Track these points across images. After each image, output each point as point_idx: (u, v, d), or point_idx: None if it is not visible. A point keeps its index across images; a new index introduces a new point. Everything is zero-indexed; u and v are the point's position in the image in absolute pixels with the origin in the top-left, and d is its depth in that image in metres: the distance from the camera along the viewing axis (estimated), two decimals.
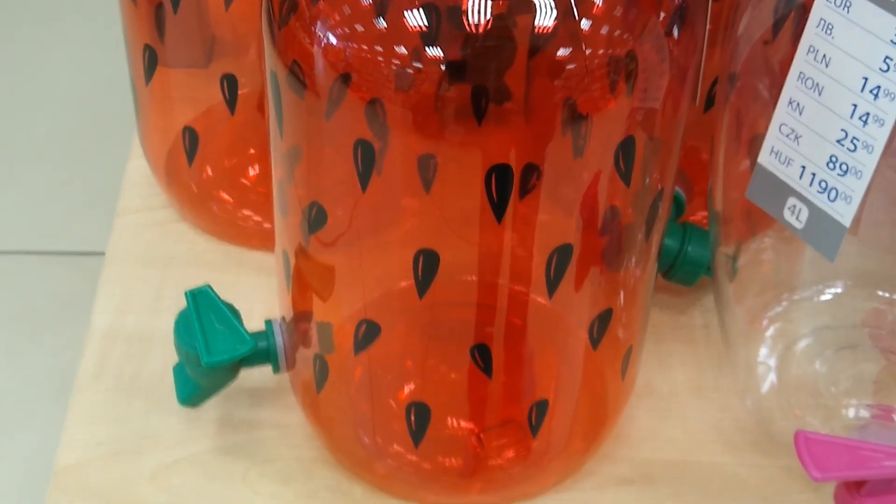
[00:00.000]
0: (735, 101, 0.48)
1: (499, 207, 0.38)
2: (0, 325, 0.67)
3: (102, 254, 0.54)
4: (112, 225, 0.55)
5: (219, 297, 0.45)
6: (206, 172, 0.55)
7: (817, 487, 0.46)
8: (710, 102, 0.51)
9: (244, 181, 0.56)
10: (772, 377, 0.49)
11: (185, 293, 0.45)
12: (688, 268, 0.51)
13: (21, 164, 0.76)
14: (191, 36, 0.52)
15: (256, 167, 0.56)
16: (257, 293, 0.51)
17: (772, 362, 0.49)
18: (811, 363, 0.49)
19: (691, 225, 0.51)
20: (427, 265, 0.40)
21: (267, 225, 0.54)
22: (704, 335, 0.52)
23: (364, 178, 0.39)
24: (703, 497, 0.46)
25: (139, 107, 0.54)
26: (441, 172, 0.39)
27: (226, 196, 0.55)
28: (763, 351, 0.49)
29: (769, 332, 0.49)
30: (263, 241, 0.53)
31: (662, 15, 0.39)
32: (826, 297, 0.50)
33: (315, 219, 0.41)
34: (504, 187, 0.38)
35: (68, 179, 0.75)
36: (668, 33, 0.39)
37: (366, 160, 0.38)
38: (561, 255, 0.40)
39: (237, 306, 0.45)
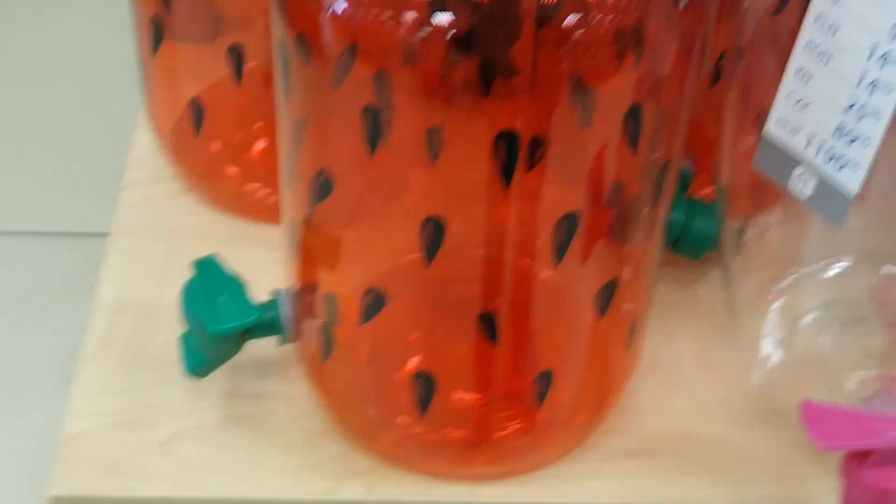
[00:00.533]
0: (742, 75, 0.48)
1: (505, 174, 0.38)
2: (4, 306, 0.67)
3: (106, 234, 0.54)
4: (117, 201, 0.55)
5: (225, 267, 0.45)
6: (212, 145, 0.55)
7: (823, 460, 0.46)
8: (716, 77, 0.51)
9: (251, 154, 0.56)
10: (778, 351, 0.49)
11: (192, 262, 0.45)
12: (694, 242, 0.51)
13: (24, 143, 0.76)
14: (197, 9, 0.52)
15: (263, 140, 0.56)
16: (264, 266, 0.51)
17: (778, 336, 0.49)
18: (818, 337, 0.49)
19: (698, 200, 0.51)
20: (434, 234, 0.40)
21: (274, 198, 0.54)
22: (711, 309, 0.52)
23: (371, 149, 0.39)
24: (708, 470, 0.46)
25: (145, 80, 0.54)
26: (448, 143, 0.39)
27: (232, 169, 0.55)
28: (769, 324, 0.49)
29: (776, 306, 0.49)
30: (270, 214, 0.53)
31: None
32: (833, 270, 0.50)
33: (321, 189, 0.41)
34: (511, 154, 0.38)
35: (72, 158, 0.75)
36: (676, 4, 0.39)
37: (372, 130, 0.38)
38: (567, 226, 0.40)
39: (244, 279, 0.45)
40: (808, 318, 0.49)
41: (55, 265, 0.69)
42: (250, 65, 0.52)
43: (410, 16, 0.37)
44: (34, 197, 0.73)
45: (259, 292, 0.45)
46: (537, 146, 0.38)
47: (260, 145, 0.56)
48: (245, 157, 0.55)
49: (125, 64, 0.57)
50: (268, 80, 0.53)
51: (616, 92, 0.39)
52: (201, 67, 0.53)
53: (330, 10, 0.38)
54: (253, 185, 0.55)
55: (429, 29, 0.37)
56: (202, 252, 0.48)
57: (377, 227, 0.43)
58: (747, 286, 0.49)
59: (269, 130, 0.55)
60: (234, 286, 0.45)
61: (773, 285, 0.50)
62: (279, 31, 0.40)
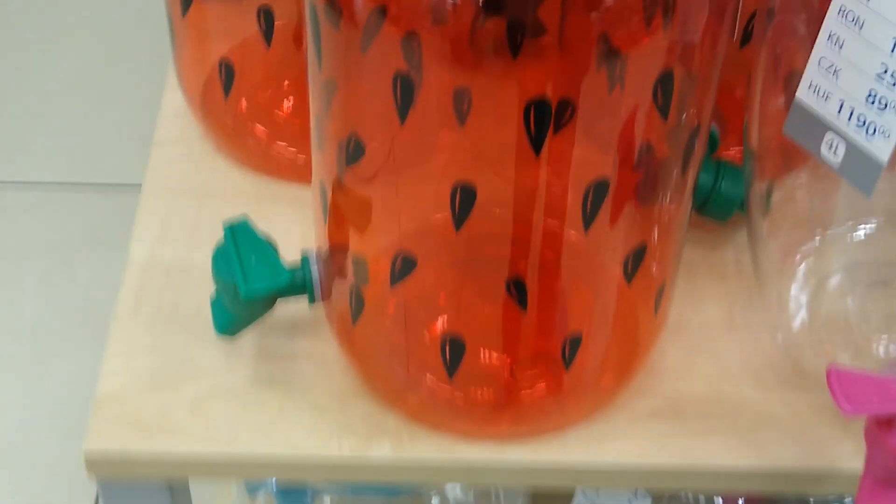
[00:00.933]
0: (772, 37, 0.48)
1: (536, 141, 0.38)
2: (34, 257, 0.68)
3: (133, 185, 0.54)
4: (145, 157, 0.56)
5: (256, 230, 0.46)
6: (241, 104, 0.55)
7: (847, 423, 0.46)
8: (746, 38, 0.51)
9: (279, 113, 0.56)
10: (803, 313, 0.49)
11: (224, 225, 0.46)
12: (721, 204, 0.51)
13: (54, 97, 0.77)
14: None
15: (291, 99, 0.56)
16: (292, 225, 0.51)
17: (804, 298, 0.49)
18: (843, 299, 0.49)
19: (725, 161, 0.51)
20: (464, 198, 0.40)
21: (301, 157, 0.54)
22: (736, 271, 0.52)
23: (402, 112, 0.39)
24: (732, 431, 0.47)
25: (175, 39, 0.54)
26: (477, 106, 0.39)
27: (261, 128, 0.55)
28: (795, 287, 0.49)
29: (801, 268, 0.49)
30: (298, 173, 0.54)
31: None
32: (859, 233, 0.50)
33: (352, 151, 0.41)
34: (542, 121, 0.38)
35: (101, 111, 0.76)
36: None
37: (404, 93, 0.39)
38: (597, 190, 0.40)
39: (272, 238, 0.46)
40: (834, 280, 0.50)
41: (85, 215, 0.70)
42: (279, 23, 0.52)
43: None
44: (66, 148, 0.73)
45: (287, 251, 0.46)
46: (565, 109, 0.38)
47: (288, 104, 0.56)
48: (273, 116, 0.56)
49: (160, 19, 0.56)
50: (297, 38, 0.53)
51: (646, 55, 0.39)
52: (230, 26, 0.54)
53: None
54: (281, 145, 0.55)
55: None
56: (231, 212, 0.48)
57: (407, 189, 0.43)
58: (774, 248, 0.50)
59: (297, 89, 0.55)
60: (265, 248, 0.45)
61: (800, 247, 0.50)
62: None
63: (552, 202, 0.41)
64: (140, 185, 0.54)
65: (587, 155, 0.40)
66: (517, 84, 0.39)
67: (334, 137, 0.42)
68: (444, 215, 0.41)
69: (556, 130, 0.38)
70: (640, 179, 0.41)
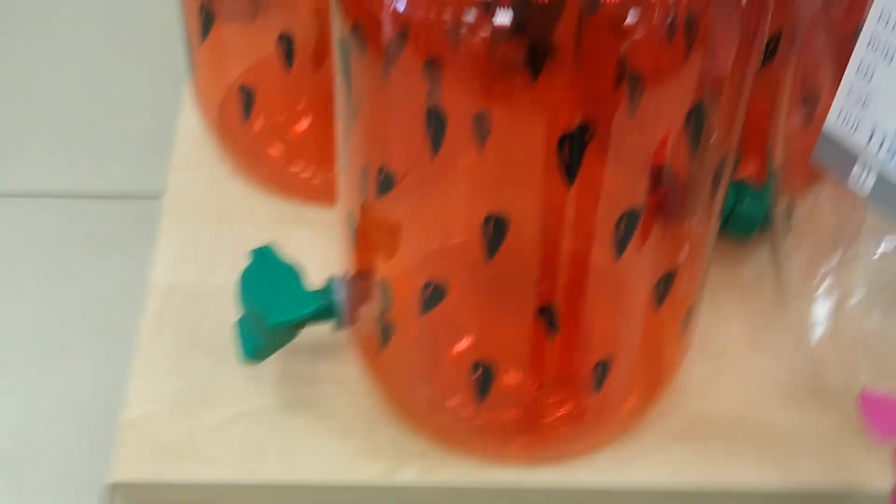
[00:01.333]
0: (798, 58, 0.48)
1: (570, 172, 0.38)
2: (39, 266, 0.68)
3: (141, 197, 0.54)
4: (148, 166, 0.56)
5: (281, 256, 0.46)
6: (257, 126, 0.55)
7: (873, 444, 0.46)
8: (766, 57, 0.51)
9: (296, 133, 0.56)
10: (826, 331, 0.49)
11: (250, 252, 0.46)
12: (743, 223, 0.51)
13: (58, 104, 0.77)
14: None
15: (309, 119, 0.56)
16: (312, 248, 0.51)
17: (826, 316, 0.49)
18: (866, 317, 0.49)
19: (745, 182, 0.51)
20: (496, 229, 0.40)
21: (318, 178, 0.54)
22: (758, 288, 0.52)
23: (435, 142, 0.39)
24: (756, 450, 0.47)
25: (192, 63, 0.54)
26: (505, 133, 0.39)
27: (278, 149, 0.55)
28: (818, 304, 0.49)
29: (824, 286, 0.50)
30: (316, 194, 0.54)
31: None
32: (882, 251, 0.50)
33: (381, 181, 0.41)
34: (575, 152, 0.38)
35: (103, 120, 0.76)
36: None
37: (432, 122, 0.39)
38: (627, 218, 0.40)
39: (297, 263, 0.46)
40: (857, 298, 0.50)
41: (86, 224, 0.70)
42: (296, 44, 0.52)
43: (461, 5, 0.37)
44: (77, 157, 0.73)
45: (307, 274, 0.46)
46: (594, 136, 0.38)
47: (305, 124, 0.56)
48: (290, 136, 0.55)
49: (165, 26, 0.56)
50: (315, 59, 0.53)
51: (673, 83, 0.39)
52: (248, 49, 0.53)
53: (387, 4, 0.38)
54: (298, 165, 0.55)
55: (480, 17, 0.37)
56: (250, 235, 0.48)
57: (437, 214, 0.43)
58: (796, 266, 0.50)
59: (314, 109, 0.55)
60: (291, 275, 0.45)
61: (822, 265, 0.50)
62: (338, 25, 0.40)
63: (582, 228, 0.41)
64: (142, 195, 0.54)
65: (618, 181, 0.40)
66: (546, 111, 0.39)
67: (362, 165, 0.42)
68: (474, 241, 0.41)
69: (586, 159, 0.38)
70: (671, 204, 0.41)
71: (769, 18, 0.41)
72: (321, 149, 0.52)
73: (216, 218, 0.54)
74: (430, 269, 0.43)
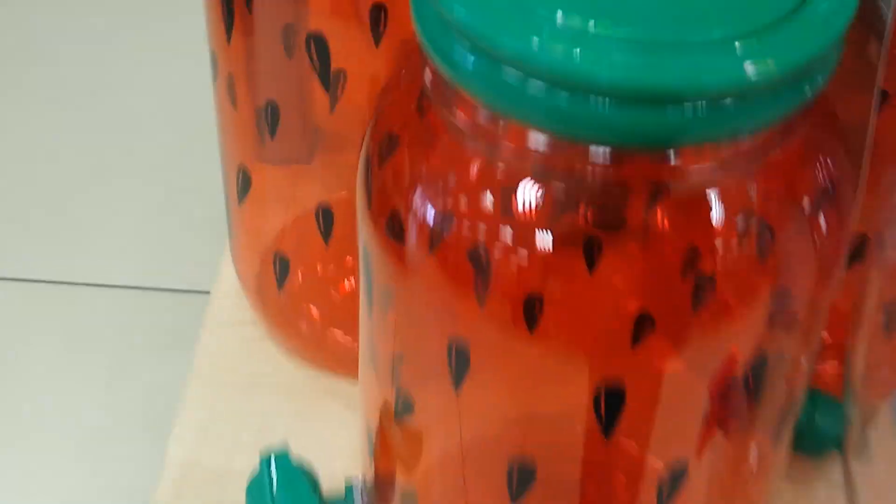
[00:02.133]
0: (878, 262, 0.43)
1: (607, 427, 0.34)
2: (96, 359, 0.68)
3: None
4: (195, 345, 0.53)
5: (296, 461, 0.42)
6: (294, 290, 0.51)
7: None
8: (852, 258, 0.46)
9: (333, 299, 0.52)
10: None
11: (261, 457, 0.42)
12: (815, 440, 0.46)
13: (123, 200, 0.78)
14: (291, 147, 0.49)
15: (347, 284, 0.52)
16: (341, 428, 0.48)
17: None
18: None
19: (820, 392, 0.46)
20: (521, 477, 0.36)
21: (356, 346, 0.51)
22: None
23: (456, 379, 0.35)
24: None
25: (231, 223, 0.51)
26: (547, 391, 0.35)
27: (314, 313, 0.52)
28: None
29: None
30: (351, 367, 0.50)
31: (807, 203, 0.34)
32: None
33: (400, 407, 0.38)
34: (613, 409, 0.33)
35: (170, 216, 0.76)
36: (814, 224, 0.34)
37: (457, 364, 0.35)
38: (676, 470, 0.36)
39: (319, 440, 0.43)
40: None
41: (153, 319, 0.70)
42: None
43: (509, 227, 0.33)
44: (134, 253, 0.74)
45: (332, 458, 0.44)
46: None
47: (343, 290, 0.52)
48: (327, 302, 0.52)
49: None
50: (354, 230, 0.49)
51: (742, 327, 0.34)
52: (286, 213, 0.50)
53: (420, 215, 0.34)
54: (335, 333, 0.51)
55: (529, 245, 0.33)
56: (278, 407, 0.46)
57: (464, 426, 0.39)
58: (872, 494, 0.45)
59: (353, 274, 0.52)
60: (302, 486, 0.41)
61: None
62: (365, 232, 0.37)
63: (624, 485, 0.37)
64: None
65: (667, 436, 0.36)
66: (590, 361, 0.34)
67: (381, 391, 0.39)
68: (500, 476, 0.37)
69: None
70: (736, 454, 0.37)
71: (848, 241, 0.37)
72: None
73: (245, 386, 0.51)
74: (453, 478, 0.39)
